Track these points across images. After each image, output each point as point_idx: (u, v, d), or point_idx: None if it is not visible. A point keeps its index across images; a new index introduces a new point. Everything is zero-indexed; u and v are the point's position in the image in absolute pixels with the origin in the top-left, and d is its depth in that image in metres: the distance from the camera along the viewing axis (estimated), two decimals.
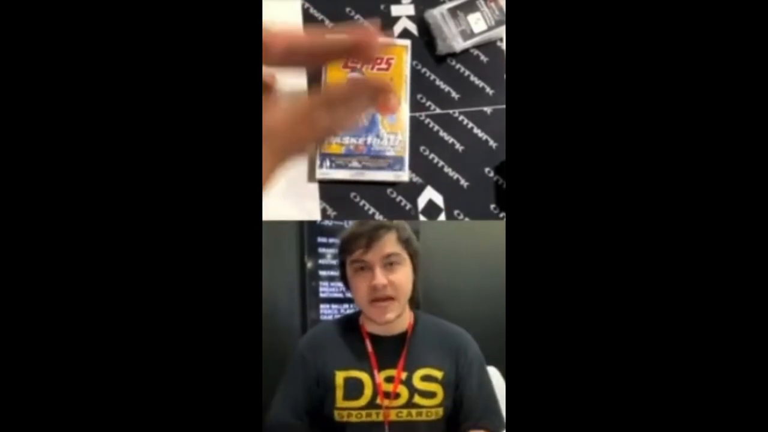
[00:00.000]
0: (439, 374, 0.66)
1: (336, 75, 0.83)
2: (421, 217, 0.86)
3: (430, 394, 0.66)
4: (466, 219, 0.87)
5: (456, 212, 0.87)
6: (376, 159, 0.85)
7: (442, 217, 0.87)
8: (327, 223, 1.00)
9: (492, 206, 0.87)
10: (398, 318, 0.67)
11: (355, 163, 0.84)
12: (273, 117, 0.56)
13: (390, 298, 0.64)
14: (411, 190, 0.87)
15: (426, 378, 0.66)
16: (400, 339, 0.68)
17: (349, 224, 1.05)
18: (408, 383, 0.65)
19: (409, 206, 0.87)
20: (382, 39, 0.41)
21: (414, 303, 0.70)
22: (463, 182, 0.88)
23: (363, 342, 0.67)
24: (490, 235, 1.03)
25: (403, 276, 0.65)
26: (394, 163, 0.84)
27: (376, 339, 0.68)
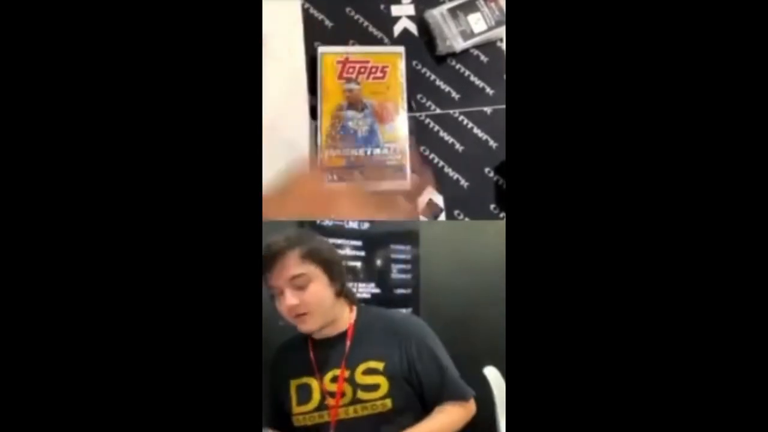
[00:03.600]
0: (380, 365, 0.66)
1: (332, 85, 0.87)
2: (421, 218, 0.86)
3: (373, 387, 0.66)
4: (466, 219, 0.87)
5: (456, 212, 0.87)
6: (377, 169, 0.86)
7: (442, 217, 0.87)
8: (327, 223, 1.00)
9: (492, 206, 0.87)
10: (326, 325, 0.67)
11: (357, 175, 0.85)
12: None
13: (305, 314, 0.65)
14: (411, 191, 0.87)
15: (367, 371, 0.66)
16: (342, 338, 0.68)
17: (348, 224, 1.05)
18: (351, 380, 0.66)
19: (409, 207, 0.87)
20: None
21: (353, 301, 0.70)
22: (463, 182, 0.88)
23: (308, 348, 0.69)
24: (490, 235, 1.03)
25: (314, 293, 0.65)
26: (396, 172, 0.85)
27: (318, 343, 0.69)
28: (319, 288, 0.66)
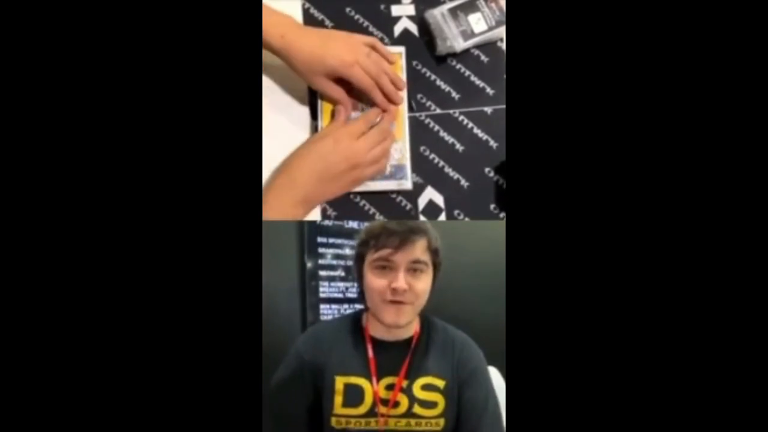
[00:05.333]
0: (441, 383, 0.64)
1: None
2: (421, 217, 0.86)
3: (431, 404, 0.63)
4: (466, 219, 0.87)
5: (456, 212, 0.87)
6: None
7: (442, 217, 0.87)
8: (327, 223, 1.00)
9: (492, 206, 0.87)
10: (407, 324, 0.65)
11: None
12: (359, 148, 0.78)
13: (406, 303, 0.62)
14: (411, 191, 0.87)
15: (427, 387, 0.64)
16: (405, 345, 0.66)
17: (348, 224, 1.05)
18: (408, 392, 0.63)
19: (409, 206, 0.87)
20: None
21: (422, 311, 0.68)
22: (463, 182, 0.88)
23: (365, 346, 0.65)
24: (490, 235, 1.03)
25: (424, 284, 0.64)
26: (397, 172, 0.85)
27: (379, 344, 0.66)
28: (427, 283, 0.64)
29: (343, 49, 0.80)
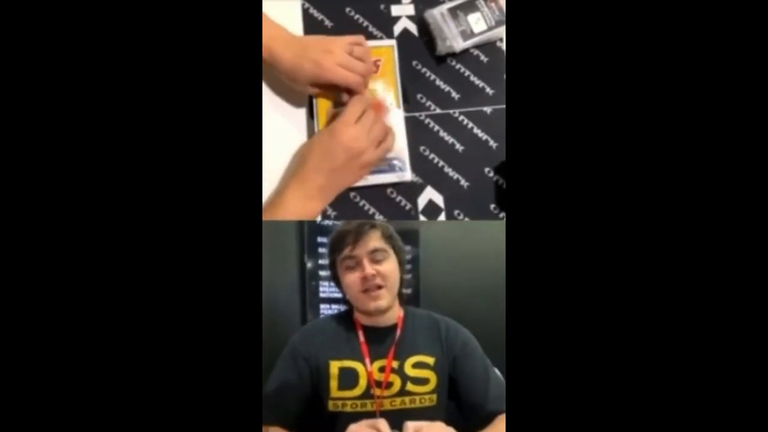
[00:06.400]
0: (430, 360, 0.68)
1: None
2: (421, 217, 0.86)
3: (423, 381, 0.67)
4: (466, 219, 0.87)
5: (456, 212, 0.87)
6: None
7: (442, 217, 0.87)
8: (327, 223, 1.00)
9: (492, 206, 0.87)
10: (389, 308, 0.69)
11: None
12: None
13: (380, 287, 0.67)
14: (411, 190, 0.87)
15: (418, 365, 0.68)
16: (391, 330, 0.70)
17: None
18: (400, 372, 0.67)
19: (409, 206, 0.87)
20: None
21: (402, 299, 0.72)
22: (463, 182, 0.88)
23: (356, 333, 0.69)
24: (490, 235, 1.03)
25: (390, 267, 0.69)
26: (395, 164, 0.85)
27: (368, 330, 0.70)
28: (393, 266, 0.69)
29: (321, 54, 0.79)
